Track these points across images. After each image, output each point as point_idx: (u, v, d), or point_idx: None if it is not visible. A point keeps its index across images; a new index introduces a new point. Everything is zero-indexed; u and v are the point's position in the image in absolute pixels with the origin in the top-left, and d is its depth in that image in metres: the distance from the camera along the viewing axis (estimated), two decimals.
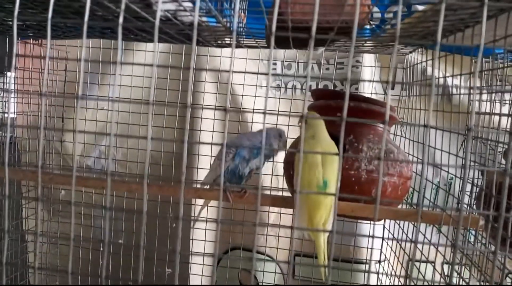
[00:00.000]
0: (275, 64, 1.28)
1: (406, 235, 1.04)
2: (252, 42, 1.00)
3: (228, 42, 1.00)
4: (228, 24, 0.80)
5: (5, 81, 1.16)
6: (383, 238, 1.14)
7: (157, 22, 0.44)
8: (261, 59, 1.26)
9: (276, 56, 1.26)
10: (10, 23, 0.97)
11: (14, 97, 1.19)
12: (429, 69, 1.18)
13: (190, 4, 0.66)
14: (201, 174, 1.18)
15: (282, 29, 0.75)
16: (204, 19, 0.77)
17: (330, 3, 0.67)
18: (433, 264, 1.04)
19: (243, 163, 0.82)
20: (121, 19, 0.44)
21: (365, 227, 1.18)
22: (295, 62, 1.27)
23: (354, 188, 0.84)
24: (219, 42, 1.00)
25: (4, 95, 1.16)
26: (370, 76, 1.24)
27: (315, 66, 1.28)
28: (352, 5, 0.64)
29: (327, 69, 1.27)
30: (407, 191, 0.91)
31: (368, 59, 1.24)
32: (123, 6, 0.44)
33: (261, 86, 1.27)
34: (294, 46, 0.95)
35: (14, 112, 1.16)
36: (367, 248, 1.18)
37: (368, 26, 0.92)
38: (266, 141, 0.83)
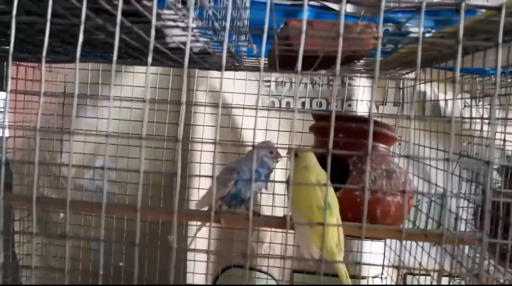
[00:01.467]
0: (268, 81, 1.30)
1: (409, 252, 1.06)
2: (255, 63, 1.00)
3: (230, 65, 1.01)
4: (233, 49, 0.82)
5: None
6: (384, 254, 1.16)
7: (186, 55, 0.44)
8: (261, 80, 1.27)
9: (270, 75, 1.28)
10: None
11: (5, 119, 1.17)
12: (423, 90, 1.22)
13: (198, 32, 0.67)
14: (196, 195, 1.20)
15: (288, 56, 0.77)
16: (211, 45, 0.78)
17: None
18: (433, 278, 1.06)
19: (245, 187, 0.81)
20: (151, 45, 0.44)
21: (366, 244, 1.19)
22: (290, 82, 1.29)
23: (359, 208, 0.86)
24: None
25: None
26: (362, 96, 1.27)
27: (309, 85, 1.30)
28: (360, 38, 0.66)
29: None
30: (409, 210, 0.93)
31: (363, 79, 1.27)
32: (153, 34, 0.45)
33: (260, 108, 1.28)
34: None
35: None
36: (369, 265, 1.19)
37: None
38: (261, 163, 0.82)
